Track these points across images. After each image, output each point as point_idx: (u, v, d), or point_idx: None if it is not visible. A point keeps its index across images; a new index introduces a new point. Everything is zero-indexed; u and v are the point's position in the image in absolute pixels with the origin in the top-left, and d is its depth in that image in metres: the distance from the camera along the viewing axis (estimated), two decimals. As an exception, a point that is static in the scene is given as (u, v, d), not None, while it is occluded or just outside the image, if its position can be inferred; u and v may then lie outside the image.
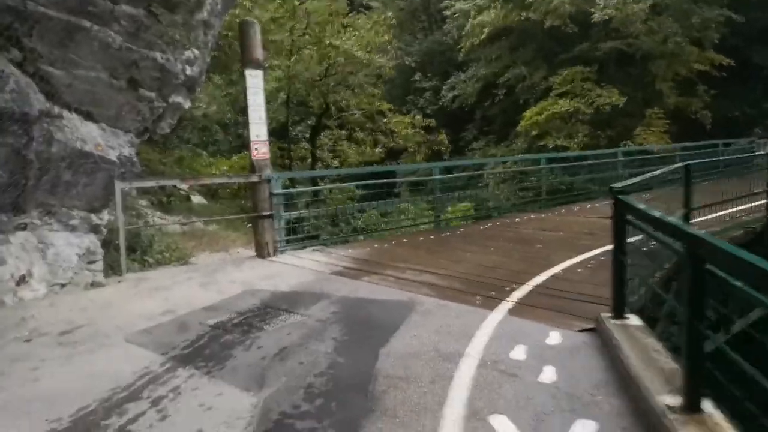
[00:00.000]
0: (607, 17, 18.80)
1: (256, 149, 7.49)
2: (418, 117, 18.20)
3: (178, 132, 15.60)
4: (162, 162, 13.20)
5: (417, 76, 29.89)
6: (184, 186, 7.19)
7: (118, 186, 6.57)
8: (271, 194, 7.51)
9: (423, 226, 9.78)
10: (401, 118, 17.52)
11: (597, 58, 22.08)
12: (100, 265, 6.65)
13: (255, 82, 7.42)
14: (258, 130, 7.50)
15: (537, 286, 5.61)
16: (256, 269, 6.91)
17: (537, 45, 23.75)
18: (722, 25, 20.11)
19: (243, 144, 23.89)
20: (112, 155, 6.76)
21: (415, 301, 5.23)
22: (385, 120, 16.41)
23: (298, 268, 6.86)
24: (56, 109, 6.06)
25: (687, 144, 17.43)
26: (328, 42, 13.45)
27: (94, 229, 6.89)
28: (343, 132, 16.56)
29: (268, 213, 7.50)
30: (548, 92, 21.78)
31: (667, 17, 19.69)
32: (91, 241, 6.54)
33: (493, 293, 5.39)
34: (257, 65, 7.41)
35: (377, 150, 16.59)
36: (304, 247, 8.08)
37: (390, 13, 17.00)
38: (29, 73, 5.75)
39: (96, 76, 6.38)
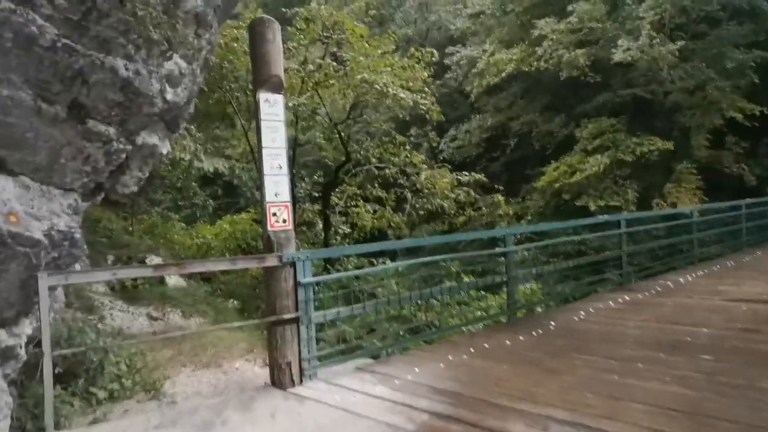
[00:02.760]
0: (630, 59, 16.90)
1: (275, 215, 4.80)
2: (465, 174, 14.92)
3: (149, 191, 12.84)
4: (128, 231, 10.38)
5: (413, 131, 27.84)
6: (156, 274, 4.44)
7: (45, 282, 3.78)
8: (297, 285, 4.78)
9: (490, 319, 7.08)
10: (441, 172, 14.64)
11: (616, 109, 20.28)
12: (4, 426, 3.78)
13: (273, 111, 4.82)
14: (277, 186, 4.84)
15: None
16: (278, 419, 4.08)
17: (551, 95, 21.86)
18: (756, 70, 18.40)
19: (225, 206, 21.02)
20: (37, 231, 4.01)
21: None
22: (421, 175, 13.54)
23: (352, 415, 4.05)
24: (-76, 150, 3.34)
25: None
26: (358, 76, 10.93)
27: (5, 354, 4.06)
28: (358, 191, 13.77)
29: (292, 316, 4.74)
30: (568, 144, 19.76)
31: (700, 63, 17.94)
32: (-13, 385, 3.68)
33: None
34: (277, 86, 4.83)
35: (402, 217, 13.68)
36: (342, 362, 5.27)
37: (433, 50, 14.65)
38: None
39: (10, 96, 3.72)
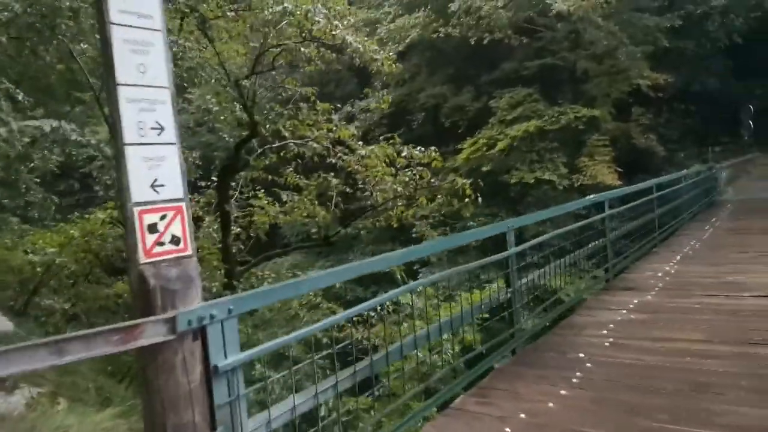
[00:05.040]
0: (570, 7, 15.60)
1: (153, 230, 2.22)
2: (415, 150, 11.00)
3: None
4: None
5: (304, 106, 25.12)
6: None
7: None
8: (213, 374, 2.27)
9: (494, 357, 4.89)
10: (382, 147, 11.61)
11: (523, 79, 19.00)
12: None
13: (137, 7, 2.22)
14: (154, 167, 2.26)
15: None
16: None
17: (454, 66, 20.11)
18: (666, 34, 17.90)
19: (84, 203, 16.84)
20: None
21: None
22: (357, 153, 10.58)
23: None
24: None
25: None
26: (278, 7, 7.91)
27: None
28: (268, 178, 10.69)
29: (204, 443, 2.22)
30: (481, 119, 18.18)
31: (614, 25, 17.05)
32: None
33: None
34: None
35: (322, 211, 10.70)
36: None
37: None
38: None
39: None
